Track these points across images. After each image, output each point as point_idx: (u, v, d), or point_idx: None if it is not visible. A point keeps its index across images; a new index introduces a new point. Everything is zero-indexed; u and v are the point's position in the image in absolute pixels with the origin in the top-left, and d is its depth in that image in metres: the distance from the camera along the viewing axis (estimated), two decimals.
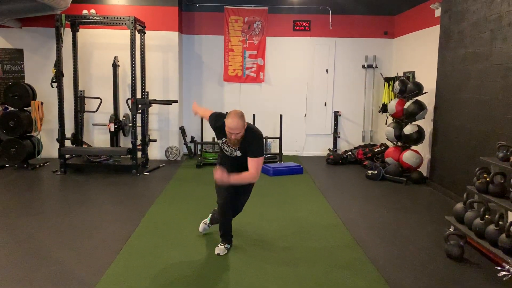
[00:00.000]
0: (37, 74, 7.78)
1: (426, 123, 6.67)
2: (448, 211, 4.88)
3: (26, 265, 3.49)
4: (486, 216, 3.80)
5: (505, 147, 4.07)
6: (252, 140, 3.61)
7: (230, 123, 3.48)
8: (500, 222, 3.62)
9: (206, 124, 8.50)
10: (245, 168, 3.63)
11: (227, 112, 3.63)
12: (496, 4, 4.80)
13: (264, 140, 8.14)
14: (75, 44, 7.11)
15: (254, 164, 3.59)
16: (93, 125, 7.85)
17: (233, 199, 3.78)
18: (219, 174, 3.45)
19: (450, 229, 4.27)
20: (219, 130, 3.72)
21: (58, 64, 6.62)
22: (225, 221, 3.85)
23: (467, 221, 4.01)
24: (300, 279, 3.34)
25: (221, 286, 3.21)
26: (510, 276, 3.24)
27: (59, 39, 6.56)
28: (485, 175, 4.08)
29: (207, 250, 3.88)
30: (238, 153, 3.70)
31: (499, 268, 3.33)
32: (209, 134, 8.57)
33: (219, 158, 3.98)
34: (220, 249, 3.82)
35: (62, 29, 6.56)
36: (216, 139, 3.80)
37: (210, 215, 4.23)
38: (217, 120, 3.77)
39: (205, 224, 4.24)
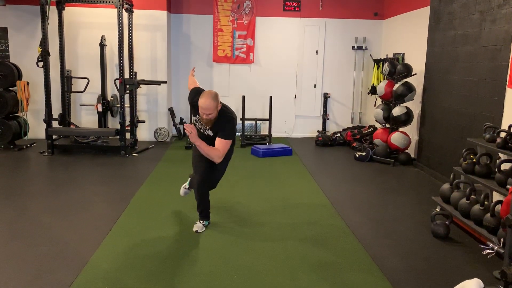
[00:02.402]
0: (22, 53, 7.63)
1: (414, 105, 6.71)
2: (435, 191, 4.95)
3: (15, 245, 3.47)
4: (472, 197, 3.86)
5: (491, 128, 4.12)
6: (224, 124, 3.66)
7: (202, 103, 3.49)
8: (485, 202, 3.68)
9: None
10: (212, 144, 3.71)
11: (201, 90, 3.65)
12: None
13: (254, 122, 8.15)
14: (61, 23, 6.95)
15: (221, 144, 3.63)
16: (80, 105, 7.76)
17: (209, 175, 3.81)
18: (191, 128, 3.46)
19: (437, 209, 4.35)
20: (194, 105, 3.71)
21: (43, 43, 6.48)
22: (202, 198, 3.86)
23: (453, 201, 4.07)
24: (288, 258, 3.38)
25: (210, 264, 3.24)
26: (493, 254, 3.31)
27: (44, 17, 6.41)
28: (471, 156, 4.13)
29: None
30: (210, 133, 3.72)
31: (483, 246, 3.40)
32: None
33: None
34: (198, 226, 3.87)
35: (47, 7, 6.40)
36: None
37: (188, 179, 4.28)
38: (194, 96, 3.78)
39: (185, 188, 4.34)
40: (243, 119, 8.02)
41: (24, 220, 4.01)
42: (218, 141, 3.64)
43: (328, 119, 8.88)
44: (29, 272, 3.05)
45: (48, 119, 6.68)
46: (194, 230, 3.84)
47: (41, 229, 3.81)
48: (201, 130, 3.78)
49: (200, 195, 3.84)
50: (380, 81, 7.42)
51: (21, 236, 3.65)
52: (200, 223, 3.91)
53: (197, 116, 3.75)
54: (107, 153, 6.85)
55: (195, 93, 3.79)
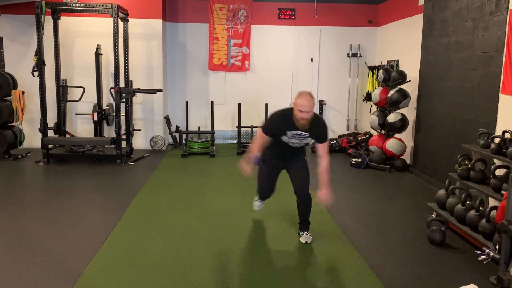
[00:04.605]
0: (18, 62, 7.62)
1: (409, 111, 6.74)
2: (431, 197, 4.96)
3: (11, 255, 3.45)
4: (467, 202, 3.88)
5: (485, 134, 4.14)
6: (322, 126, 3.70)
7: (302, 101, 3.43)
8: (481, 208, 3.70)
9: (191, 114, 8.50)
10: (301, 152, 3.85)
11: (286, 108, 3.68)
12: None
13: (250, 129, 8.16)
14: (56, 32, 6.96)
15: (325, 148, 3.73)
16: (76, 114, 7.74)
17: (272, 190, 4.09)
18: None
19: (433, 215, 4.35)
20: (283, 123, 3.60)
21: (39, 53, 6.49)
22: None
23: (449, 207, 4.08)
24: (285, 266, 3.38)
25: (206, 273, 3.23)
26: (489, 259, 3.32)
27: (39, 26, 6.42)
28: (466, 162, 4.15)
29: (192, 238, 3.88)
30: (309, 140, 3.71)
31: (479, 252, 3.41)
32: (194, 124, 8.55)
33: (271, 157, 3.91)
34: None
35: (42, 16, 6.41)
36: (276, 137, 3.70)
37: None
38: (280, 115, 3.69)
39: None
40: (239, 126, 8.04)
41: (19, 230, 3.99)
42: (321, 146, 3.70)
43: None
44: (23, 283, 3.02)
45: (44, 128, 6.66)
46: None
47: (36, 239, 3.79)
48: (296, 145, 3.70)
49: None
50: (375, 88, 7.46)
51: (16, 247, 3.62)
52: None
53: (288, 133, 3.61)
54: (103, 162, 6.83)
55: (280, 113, 3.72)
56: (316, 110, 8.75)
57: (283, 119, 3.62)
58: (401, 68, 7.24)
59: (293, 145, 3.72)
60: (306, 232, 3.90)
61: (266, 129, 3.73)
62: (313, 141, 3.74)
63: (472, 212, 3.71)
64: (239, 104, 8.01)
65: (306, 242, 3.81)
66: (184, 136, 8.28)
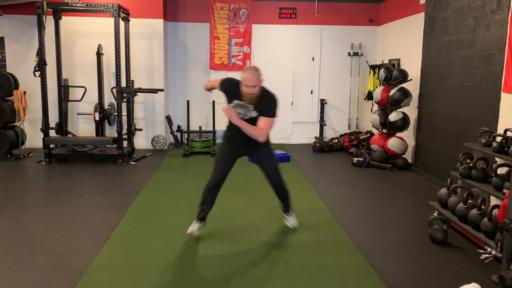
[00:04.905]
0: (19, 62, 7.64)
1: (410, 110, 6.73)
2: (432, 196, 4.96)
3: (13, 255, 3.46)
4: (469, 201, 3.87)
5: (487, 133, 4.14)
6: (268, 101, 3.67)
7: (246, 75, 3.51)
8: (483, 207, 3.70)
9: (193, 113, 8.50)
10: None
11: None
12: None
13: None
14: (57, 32, 6.97)
15: (266, 122, 3.62)
16: (77, 114, 7.76)
17: (226, 177, 3.80)
18: (230, 110, 3.50)
19: (434, 214, 4.35)
20: (232, 91, 3.68)
21: (40, 53, 6.50)
22: (208, 194, 3.80)
23: (450, 206, 4.08)
24: (287, 265, 3.38)
25: (208, 272, 3.23)
26: (491, 258, 3.32)
27: (41, 27, 6.43)
28: (468, 161, 4.15)
29: (194, 237, 3.88)
30: (253, 114, 3.67)
31: (481, 251, 3.40)
32: (196, 123, 8.55)
33: (227, 130, 3.89)
34: (194, 227, 3.82)
35: (43, 16, 6.42)
36: (227, 103, 3.75)
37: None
38: (231, 81, 3.77)
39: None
40: None
41: (21, 230, 3.99)
42: (263, 119, 3.62)
43: (325, 125, 8.90)
44: (26, 282, 3.03)
45: (45, 128, 6.67)
46: (189, 232, 3.79)
47: (38, 239, 3.80)
48: (241, 115, 3.68)
49: (208, 191, 3.78)
50: (376, 87, 7.45)
51: (18, 246, 3.63)
52: (198, 223, 3.84)
53: (234, 101, 3.68)
54: (105, 162, 6.84)
55: (231, 80, 3.80)
56: (317, 109, 8.82)
57: (235, 86, 3.67)
58: (402, 67, 7.23)
59: (239, 115, 3.67)
60: (290, 213, 4.00)
61: (222, 83, 3.83)
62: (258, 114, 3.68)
63: (474, 211, 3.71)
64: None
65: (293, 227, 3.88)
66: (185, 135, 8.28)
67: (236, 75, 8.63)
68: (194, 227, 3.83)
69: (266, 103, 3.65)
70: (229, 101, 3.74)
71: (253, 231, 4.10)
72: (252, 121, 3.66)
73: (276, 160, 3.98)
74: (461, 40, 5.24)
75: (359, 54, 8.73)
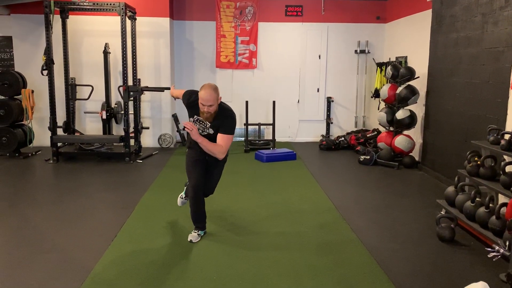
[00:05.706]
0: (27, 61, 7.69)
1: (418, 108, 6.70)
2: (440, 194, 4.93)
3: (22, 252, 3.49)
4: (477, 199, 3.85)
5: (495, 130, 4.11)
6: (225, 118, 3.64)
7: (203, 94, 3.48)
8: (491, 205, 3.67)
9: None
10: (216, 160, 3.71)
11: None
12: None
13: (257, 127, 8.16)
14: (65, 31, 7.01)
15: (224, 139, 3.60)
16: (85, 113, 7.80)
17: (204, 181, 3.77)
18: (191, 125, 3.46)
19: (442, 212, 4.33)
20: (192, 105, 3.69)
21: (48, 52, 6.54)
22: (197, 205, 3.76)
23: (458, 204, 4.06)
24: (293, 263, 3.38)
25: (216, 270, 3.24)
26: (499, 256, 3.30)
27: (48, 26, 6.47)
28: (476, 159, 4.12)
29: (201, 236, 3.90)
30: (210, 131, 3.66)
31: (489, 249, 3.38)
32: None
33: (189, 139, 3.85)
34: (193, 236, 3.78)
35: (51, 15, 6.46)
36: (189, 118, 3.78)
37: (184, 188, 4.26)
38: (191, 95, 3.75)
39: (182, 198, 4.26)
40: (246, 124, 8.04)
41: (29, 228, 4.03)
42: (220, 136, 3.61)
43: (331, 123, 8.88)
44: (35, 279, 3.06)
45: (53, 126, 6.72)
46: (189, 239, 3.76)
47: (46, 237, 3.83)
48: (200, 131, 3.68)
49: (195, 203, 3.75)
50: (383, 85, 7.42)
51: (26, 244, 3.67)
52: (195, 232, 3.83)
53: (195, 116, 3.69)
54: (112, 160, 6.87)
55: (190, 94, 3.78)
56: (323, 107, 8.80)
57: (194, 100, 3.65)
58: (409, 64, 7.19)
59: (198, 130, 3.64)
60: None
61: (184, 96, 3.81)
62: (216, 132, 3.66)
63: (482, 209, 3.69)
64: (247, 102, 8.02)
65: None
66: None
67: (242, 73, 8.72)
68: (193, 236, 3.81)
69: (222, 121, 3.63)
70: (190, 115, 3.74)
71: (258, 230, 4.10)
72: (211, 137, 3.66)
73: (219, 177, 3.99)
74: (469, 37, 5.20)
75: (366, 51, 8.70)
